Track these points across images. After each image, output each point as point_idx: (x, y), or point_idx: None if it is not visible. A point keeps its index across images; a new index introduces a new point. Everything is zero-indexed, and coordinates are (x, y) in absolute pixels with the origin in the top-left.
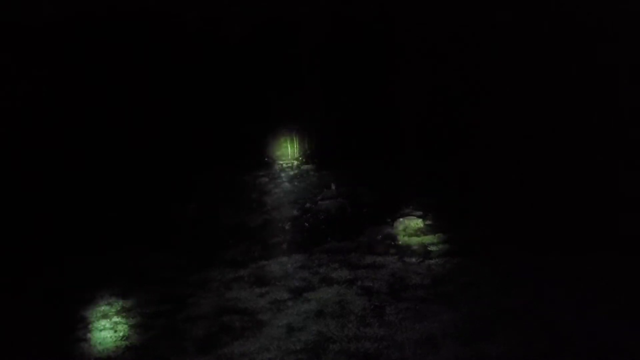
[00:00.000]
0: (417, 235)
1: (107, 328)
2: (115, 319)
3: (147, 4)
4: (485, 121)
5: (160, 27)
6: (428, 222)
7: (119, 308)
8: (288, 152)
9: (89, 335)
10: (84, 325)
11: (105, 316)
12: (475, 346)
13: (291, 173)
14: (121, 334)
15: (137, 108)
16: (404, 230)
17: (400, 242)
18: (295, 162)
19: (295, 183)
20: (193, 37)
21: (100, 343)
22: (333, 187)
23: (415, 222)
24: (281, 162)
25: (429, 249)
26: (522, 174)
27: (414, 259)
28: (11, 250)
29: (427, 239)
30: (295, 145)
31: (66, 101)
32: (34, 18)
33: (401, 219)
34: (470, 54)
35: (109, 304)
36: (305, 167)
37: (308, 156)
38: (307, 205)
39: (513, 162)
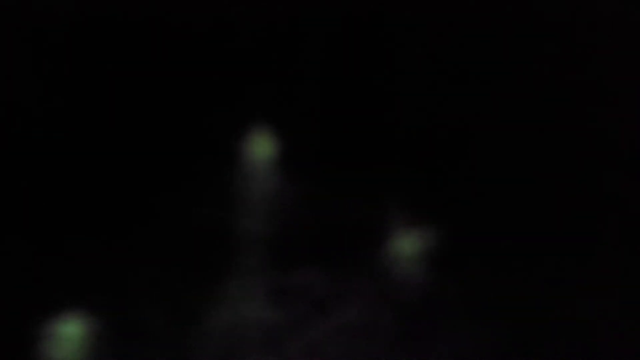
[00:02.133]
0: (449, 244)
1: (117, 341)
2: (124, 332)
3: (148, 5)
4: (490, 125)
5: (162, 28)
6: (460, 230)
7: (127, 321)
8: (303, 156)
9: (98, 349)
10: (91, 338)
11: (113, 330)
12: None
13: (308, 176)
14: (131, 348)
15: (138, 109)
16: (434, 239)
17: (430, 252)
18: (312, 165)
19: (314, 187)
20: (197, 37)
21: (110, 357)
22: (355, 192)
23: (446, 231)
24: (297, 165)
25: (462, 258)
26: (532, 178)
27: (446, 271)
28: (16, 261)
29: (460, 247)
30: (310, 149)
31: (74, 103)
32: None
33: (430, 228)
34: (471, 55)
35: (117, 317)
36: (322, 170)
37: (325, 159)
38: (328, 210)
39: (521, 167)
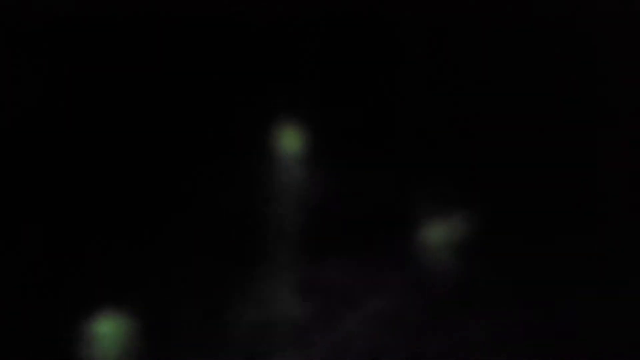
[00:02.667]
0: (480, 232)
1: (142, 334)
2: (148, 326)
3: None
4: (523, 108)
5: (164, 26)
6: (493, 217)
7: (151, 316)
8: (331, 145)
9: (132, 346)
10: (126, 336)
11: (138, 324)
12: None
13: (333, 168)
14: (154, 342)
15: (166, 100)
16: (464, 230)
17: (462, 243)
18: (340, 155)
19: (340, 178)
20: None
21: (134, 350)
22: (385, 180)
23: (478, 218)
24: (320, 157)
25: (494, 246)
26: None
27: (478, 259)
28: (49, 260)
29: (492, 235)
30: (338, 138)
31: (78, 103)
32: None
33: (459, 217)
34: (472, 54)
35: (141, 311)
36: (351, 159)
37: (353, 148)
38: (356, 202)
39: (555, 150)
